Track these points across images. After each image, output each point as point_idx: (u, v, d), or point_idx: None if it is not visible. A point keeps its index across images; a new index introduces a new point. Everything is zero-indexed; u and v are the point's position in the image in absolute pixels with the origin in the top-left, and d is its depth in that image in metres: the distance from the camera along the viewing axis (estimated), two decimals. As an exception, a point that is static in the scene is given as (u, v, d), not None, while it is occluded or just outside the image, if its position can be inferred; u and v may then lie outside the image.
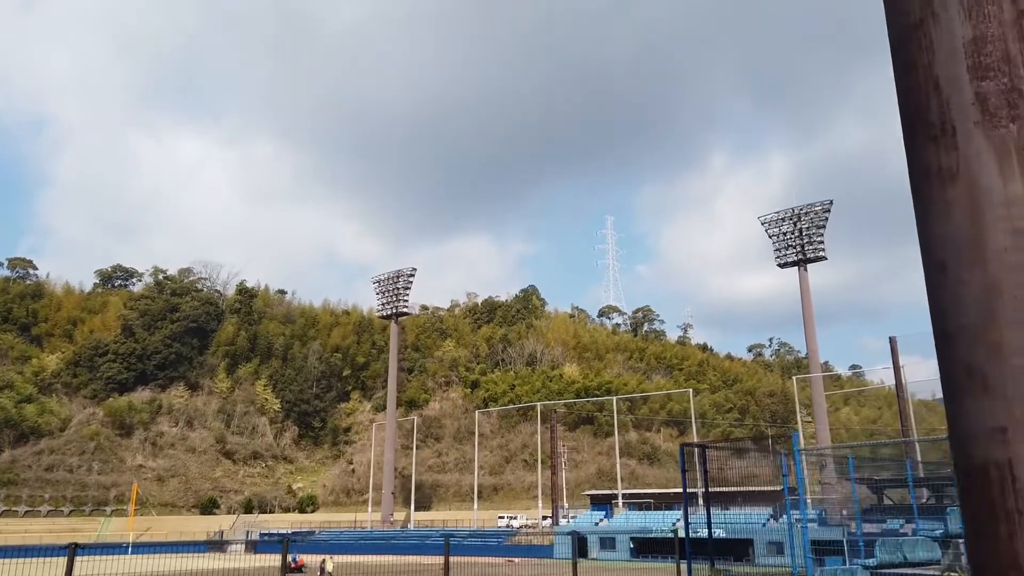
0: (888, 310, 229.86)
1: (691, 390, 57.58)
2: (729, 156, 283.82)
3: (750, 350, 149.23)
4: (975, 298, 2.89)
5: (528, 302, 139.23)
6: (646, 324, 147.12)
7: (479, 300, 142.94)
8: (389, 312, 78.71)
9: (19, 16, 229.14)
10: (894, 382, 44.58)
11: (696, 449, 17.78)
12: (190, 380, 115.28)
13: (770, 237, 59.08)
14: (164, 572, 41.04)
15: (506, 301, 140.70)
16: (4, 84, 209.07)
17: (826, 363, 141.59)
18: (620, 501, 62.69)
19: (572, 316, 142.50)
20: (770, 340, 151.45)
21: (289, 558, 39.81)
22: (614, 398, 70.70)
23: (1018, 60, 2.90)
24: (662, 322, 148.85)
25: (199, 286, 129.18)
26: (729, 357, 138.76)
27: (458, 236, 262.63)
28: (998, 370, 2.16)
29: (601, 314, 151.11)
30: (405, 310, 79.88)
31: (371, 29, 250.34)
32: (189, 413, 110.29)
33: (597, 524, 56.97)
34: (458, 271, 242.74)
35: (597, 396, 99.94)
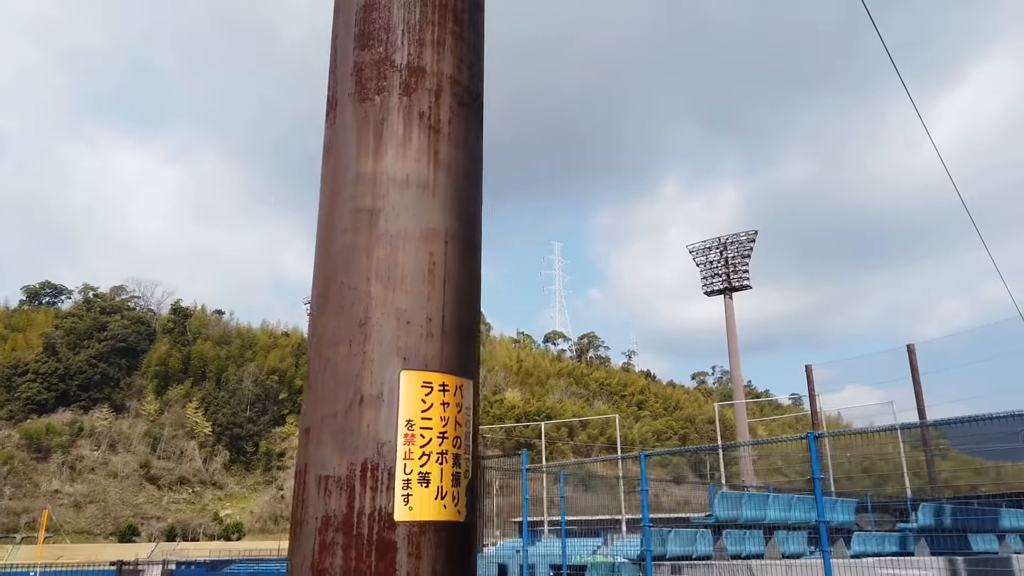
0: (834, 338, 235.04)
1: (617, 416, 56.99)
2: (680, 184, 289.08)
3: (694, 377, 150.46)
4: (319, 282, 2.17)
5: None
6: (591, 350, 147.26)
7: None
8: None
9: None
10: (809, 411, 44.84)
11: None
12: (115, 402, 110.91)
13: (697, 266, 59.46)
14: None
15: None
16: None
17: (767, 391, 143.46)
18: (546, 528, 61.63)
19: (516, 341, 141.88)
20: (713, 368, 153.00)
21: None
22: (543, 423, 69.88)
23: (399, 28, 2.22)
24: (607, 348, 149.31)
25: (131, 304, 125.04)
26: (672, 384, 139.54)
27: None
28: (316, 364, 2.18)
29: (547, 339, 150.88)
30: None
31: (317, 46, 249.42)
32: (112, 436, 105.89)
33: (518, 551, 55.72)
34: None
35: (537, 422, 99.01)
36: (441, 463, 2.06)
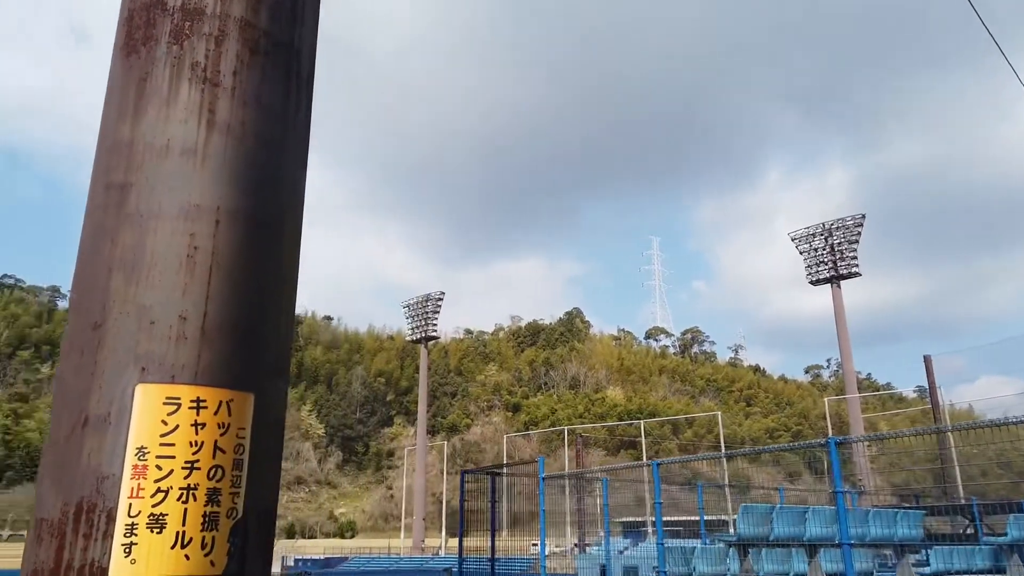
0: (966, 325, 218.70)
1: (720, 413, 54.84)
2: (784, 171, 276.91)
3: (807, 371, 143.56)
4: (74, 278, 1.82)
5: (572, 324, 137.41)
6: (695, 345, 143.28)
7: (523, 323, 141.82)
8: (419, 336, 78.20)
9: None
10: (930, 404, 41.40)
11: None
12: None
13: (801, 254, 56.43)
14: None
15: (549, 324, 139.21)
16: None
17: (888, 384, 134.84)
18: (650, 529, 60.33)
19: (617, 339, 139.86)
20: (828, 361, 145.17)
21: None
22: (642, 421, 68.28)
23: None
24: (712, 343, 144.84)
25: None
26: (783, 379, 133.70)
27: (507, 258, 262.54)
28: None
29: (648, 336, 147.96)
30: (434, 334, 79.20)
31: (417, 56, 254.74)
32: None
33: (622, 552, 54.78)
34: (506, 294, 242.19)
35: (640, 419, 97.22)
36: (185, 501, 1.61)
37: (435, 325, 77.61)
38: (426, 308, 77.94)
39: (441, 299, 78.02)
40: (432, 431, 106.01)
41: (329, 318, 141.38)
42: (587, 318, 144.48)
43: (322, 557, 78.97)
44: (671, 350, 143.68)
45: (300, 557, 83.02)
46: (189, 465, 1.62)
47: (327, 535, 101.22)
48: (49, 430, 1.71)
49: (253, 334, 1.79)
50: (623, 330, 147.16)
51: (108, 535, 1.54)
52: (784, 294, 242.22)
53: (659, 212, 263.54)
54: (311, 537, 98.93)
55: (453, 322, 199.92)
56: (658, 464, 12.20)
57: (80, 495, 1.57)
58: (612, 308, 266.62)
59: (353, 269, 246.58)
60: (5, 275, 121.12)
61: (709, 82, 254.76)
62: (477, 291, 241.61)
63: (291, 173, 1.99)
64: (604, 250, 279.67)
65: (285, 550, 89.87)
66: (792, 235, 58.20)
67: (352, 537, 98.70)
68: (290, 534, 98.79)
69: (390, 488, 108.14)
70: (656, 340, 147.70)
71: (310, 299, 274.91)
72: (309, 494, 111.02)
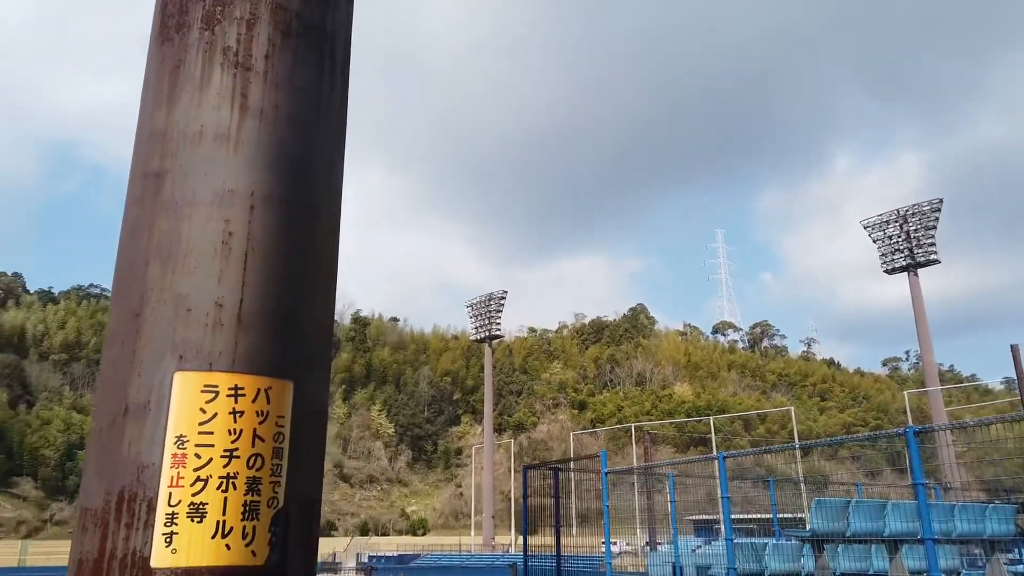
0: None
1: (793, 408, 53.32)
2: (854, 157, 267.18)
3: (885, 364, 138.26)
4: (115, 269, 1.85)
5: (636, 321, 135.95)
6: (765, 340, 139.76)
7: (586, 320, 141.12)
8: (482, 336, 78.69)
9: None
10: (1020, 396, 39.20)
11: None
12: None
13: (875, 242, 54.33)
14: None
15: (614, 321, 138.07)
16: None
17: (973, 375, 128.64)
18: (723, 526, 59.18)
19: (683, 334, 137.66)
20: (907, 353, 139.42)
21: None
22: (711, 417, 66.99)
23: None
24: (783, 337, 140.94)
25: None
26: (859, 372, 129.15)
27: (569, 256, 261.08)
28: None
29: (715, 330, 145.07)
30: (498, 333, 79.62)
31: (478, 55, 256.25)
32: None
33: (694, 551, 54.05)
34: (569, 291, 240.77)
35: (709, 416, 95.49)
36: (225, 490, 1.58)
37: (498, 324, 77.98)
38: (489, 307, 78.38)
39: (504, 298, 78.34)
40: (499, 429, 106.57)
41: (395, 319, 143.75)
42: (651, 314, 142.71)
43: (395, 554, 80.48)
44: (740, 345, 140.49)
45: (374, 554, 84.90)
46: (228, 453, 1.59)
47: (399, 532, 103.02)
48: (93, 420, 1.71)
49: (291, 321, 1.76)
50: (689, 325, 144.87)
51: (149, 524, 1.53)
52: (857, 284, 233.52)
53: (723, 204, 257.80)
54: (384, 534, 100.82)
55: (516, 320, 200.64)
56: (724, 456, 11.85)
57: (122, 484, 1.56)
58: (677, 303, 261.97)
59: (417, 271, 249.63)
60: (92, 284, 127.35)
61: (775, 68, 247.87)
62: (539, 289, 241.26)
63: (326, 156, 1.95)
64: (667, 244, 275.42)
65: (359, 547, 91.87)
66: (864, 223, 56.14)
67: (424, 534, 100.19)
68: (364, 531, 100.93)
69: (459, 486, 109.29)
70: (724, 335, 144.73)
71: (376, 302, 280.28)
72: (381, 492, 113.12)
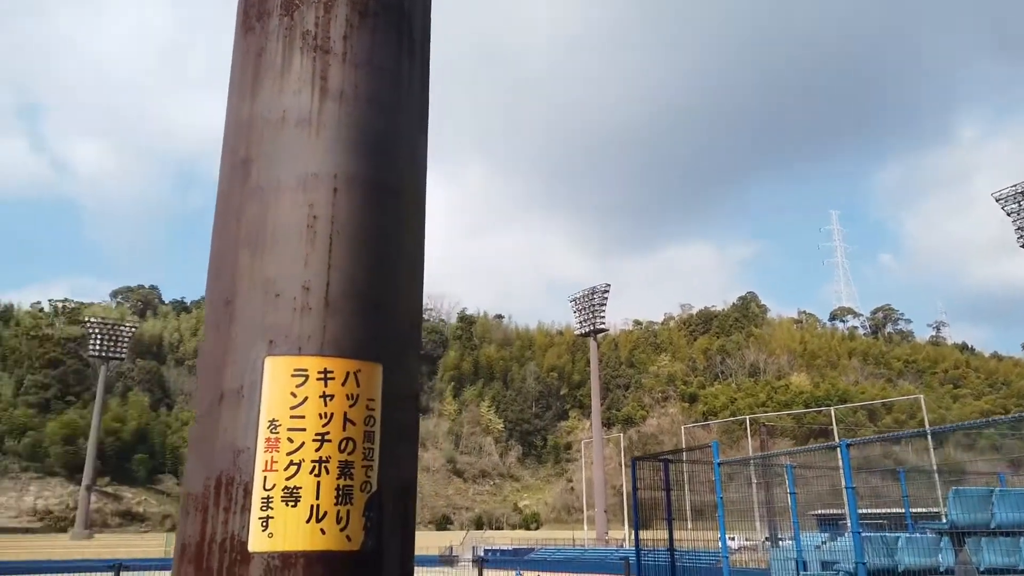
0: None
1: (922, 396, 50.05)
2: (981, 125, 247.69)
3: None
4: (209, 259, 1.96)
5: (747, 309, 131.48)
6: (888, 325, 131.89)
7: (694, 311, 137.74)
8: (587, 330, 78.30)
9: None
10: None
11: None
12: (422, 405, 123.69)
13: (1008, 215, 50.18)
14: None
15: (723, 310, 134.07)
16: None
17: None
18: (849, 521, 56.35)
19: (798, 322, 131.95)
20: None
21: (513, 574, 40.80)
22: (832, 408, 63.85)
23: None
24: (908, 321, 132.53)
25: (426, 317, 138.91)
26: (996, 356, 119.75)
27: (673, 245, 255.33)
28: None
29: (833, 317, 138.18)
30: (602, 327, 79.00)
31: (576, 49, 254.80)
32: (422, 435, 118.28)
33: (818, 547, 51.86)
34: (674, 282, 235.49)
35: (829, 406, 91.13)
36: (318, 474, 1.56)
37: (603, 318, 77.43)
38: (592, 301, 77.89)
39: (607, 291, 77.67)
40: (607, 424, 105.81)
41: (500, 317, 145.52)
42: (763, 301, 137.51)
43: (510, 547, 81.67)
44: (860, 331, 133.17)
45: (489, 547, 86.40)
46: (320, 437, 1.58)
47: (513, 526, 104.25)
48: (194, 408, 1.74)
49: (378, 303, 1.72)
50: (804, 312, 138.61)
51: (246, 508, 1.53)
52: (989, 262, 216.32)
53: (836, 183, 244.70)
54: (498, 528, 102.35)
55: (621, 314, 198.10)
56: (848, 444, 11.18)
57: (219, 469, 1.57)
58: (790, 289, 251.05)
59: (520, 268, 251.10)
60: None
61: (890, 38, 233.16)
62: (644, 281, 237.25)
63: (409, 136, 1.91)
64: (776, 229, 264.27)
65: (474, 540, 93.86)
66: (996, 195, 51.86)
67: (537, 528, 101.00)
68: (478, 525, 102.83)
69: (570, 481, 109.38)
70: (842, 321, 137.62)
71: (481, 300, 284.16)
72: (493, 487, 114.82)
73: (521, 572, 40.61)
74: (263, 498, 1.53)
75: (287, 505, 1.53)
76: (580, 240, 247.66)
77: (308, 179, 1.71)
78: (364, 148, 1.78)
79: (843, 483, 10.72)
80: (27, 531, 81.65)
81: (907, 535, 12.01)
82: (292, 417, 1.58)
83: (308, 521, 1.53)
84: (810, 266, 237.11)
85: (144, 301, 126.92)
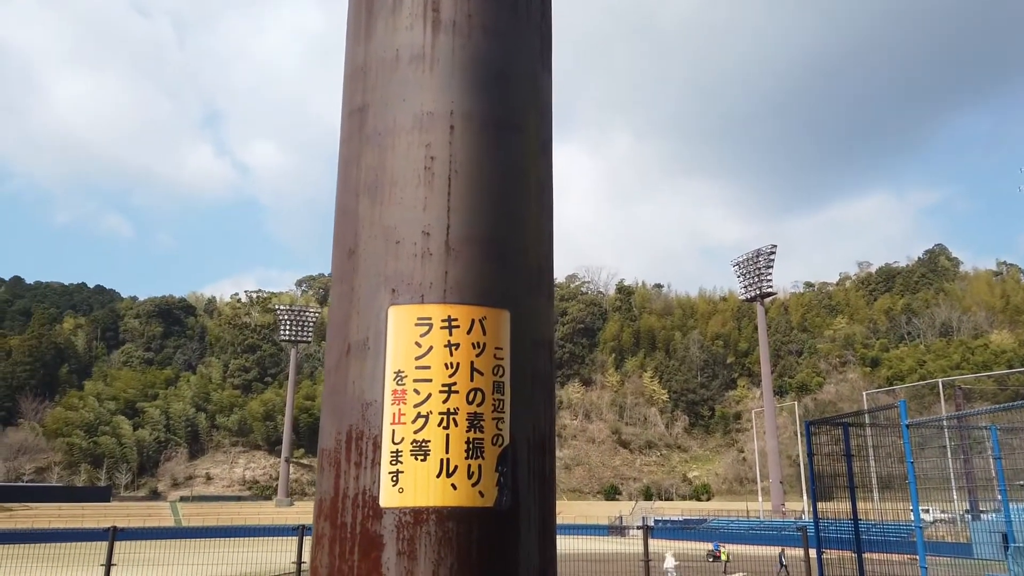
0: None
1: None
2: None
3: None
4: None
5: (935, 264, 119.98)
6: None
7: (872, 269, 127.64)
8: (753, 294, 74.80)
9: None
10: None
11: None
12: (584, 376, 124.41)
13: None
14: (579, 551, 42.66)
15: (906, 266, 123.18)
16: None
17: None
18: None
19: (998, 274, 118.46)
20: None
21: (711, 547, 40.51)
22: (1044, 368, 56.81)
23: None
24: None
25: (584, 290, 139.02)
26: None
27: (844, 199, 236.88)
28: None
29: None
30: (770, 290, 75.08)
31: (716, 5, 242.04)
32: (586, 407, 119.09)
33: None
34: (848, 238, 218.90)
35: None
36: (446, 427, 1.47)
37: (769, 281, 73.60)
38: (757, 264, 74.22)
39: (773, 253, 73.62)
40: (779, 392, 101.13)
41: (659, 286, 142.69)
42: (953, 254, 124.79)
43: (680, 518, 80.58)
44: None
45: (659, 518, 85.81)
46: (447, 388, 1.49)
47: (683, 497, 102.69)
48: (325, 362, 1.72)
49: (502, 246, 1.60)
50: (1004, 263, 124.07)
51: (376, 463, 1.47)
52: None
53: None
54: (668, 499, 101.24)
55: (789, 276, 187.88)
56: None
57: (349, 423, 1.53)
58: (985, 238, 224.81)
59: (674, 234, 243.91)
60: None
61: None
62: (812, 240, 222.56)
63: (529, 68, 1.76)
64: (965, 171, 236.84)
65: (643, 511, 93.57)
66: None
67: (708, 500, 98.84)
68: (647, 496, 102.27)
69: (741, 451, 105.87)
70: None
71: (637, 270, 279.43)
72: (660, 457, 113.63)
73: (720, 544, 39.83)
74: (392, 452, 1.47)
75: (416, 459, 1.46)
76: (737, 202, 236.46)
77: (424, 118, 1.62)
78: (481, 82, 1.66)
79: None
80: (239, 499, 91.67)
81: None
82: (417, 368, 1.50)
83: (438, 476, 1.45)
84: (1009, 212, 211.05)
85: (325, 288, 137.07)
